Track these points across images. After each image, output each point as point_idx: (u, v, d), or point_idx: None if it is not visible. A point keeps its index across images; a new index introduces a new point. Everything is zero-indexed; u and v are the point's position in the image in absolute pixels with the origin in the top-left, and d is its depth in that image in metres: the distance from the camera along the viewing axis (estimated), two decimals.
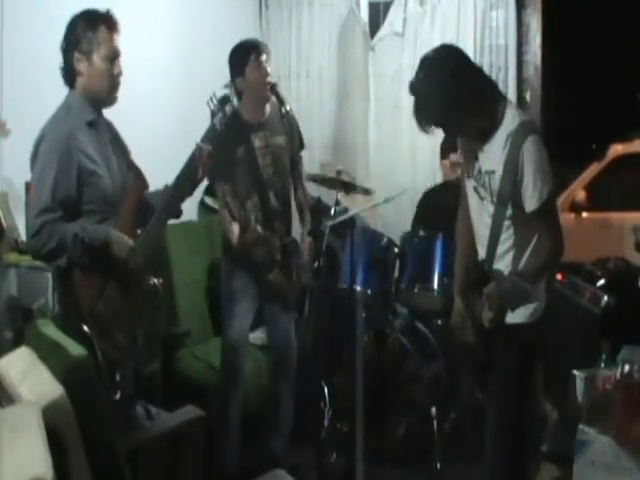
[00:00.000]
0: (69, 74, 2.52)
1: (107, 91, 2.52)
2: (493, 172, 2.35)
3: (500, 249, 2.39)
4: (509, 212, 2.35)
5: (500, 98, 2.42)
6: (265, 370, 3.61)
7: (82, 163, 2.42)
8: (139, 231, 2.56)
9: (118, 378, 2.43)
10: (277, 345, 3.43)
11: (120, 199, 2.53)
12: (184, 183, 2.63)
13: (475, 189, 2.47)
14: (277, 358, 3.45)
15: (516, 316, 2.39)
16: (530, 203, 2.29)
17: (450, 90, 2.26)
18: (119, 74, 2.53)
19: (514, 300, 2.25)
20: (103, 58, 2.47)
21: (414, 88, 2.32)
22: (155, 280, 2.59)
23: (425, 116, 2.32)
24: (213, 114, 2.77)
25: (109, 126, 2.63)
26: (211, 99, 2.78)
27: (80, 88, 2.51)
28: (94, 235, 2.40)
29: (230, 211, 3.10)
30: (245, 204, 3.18)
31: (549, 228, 2.34)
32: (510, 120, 2.33)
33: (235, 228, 3.11)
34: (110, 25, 2.49)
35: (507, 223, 2.38)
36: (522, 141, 2.27)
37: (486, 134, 2.38)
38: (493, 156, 2.35)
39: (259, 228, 3.12)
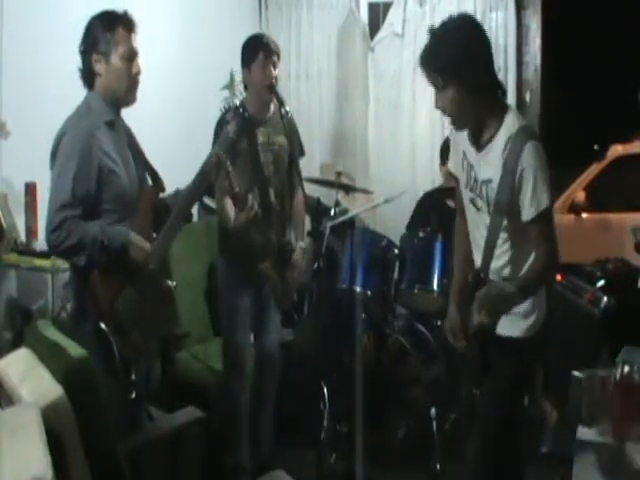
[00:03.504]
0: (88, 76, 2.53)
1: (125, 90, 2.53)
2: (490, 181, 2.28)
3: (497, 262, 2.33)
4: (505, 223, 2.28)
5: (503, 100, 2.38)
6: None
7: (102, 161, 2.44)
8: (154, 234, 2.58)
9: (133, 377, 2.44)
10: (262, 345, 3.40)
11: (137, 200, 2.55)
12: (199, 190, 2.65)
13: (472, 200, 2.40)
14: (261, 358, 3.41)
15: (514, 329, 2.35)
16: (527, 212, 2.22)
17: (457, 53, 2.22)
18: (137, 73, 2.54)
19: (502, 305, 2.20)
20: (121, 58, 2.48)
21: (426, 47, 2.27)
22: (169, 282, 2.61)
23: (431, 69, 2.27)
24: (226, 122, 2.77)
25: (126, 128, 2.65)
26: (225, 107, 2.79)
27: (99, 89, 2.52)
28: (113, 238, 2.42)
29: (231, 189, 3.06)
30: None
31: (544, 240, 2.26)
32: (510, 124, 2.27)
33: (231, 208, 3.09)
34: (128, 25, 2.50)
35: (504, 236, 2.31)
36: (521, 147, 2.20)
37: (483, 140, 2.32)
38: (490, 163, 2.29)
39: (257, 206, 3.03)
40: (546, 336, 2.41)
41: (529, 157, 2.20)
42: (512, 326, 2.33)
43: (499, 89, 2.35)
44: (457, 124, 2.38)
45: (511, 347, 2.36)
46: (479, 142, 2.34)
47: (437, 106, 2.34)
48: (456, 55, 2.22)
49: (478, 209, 2.38)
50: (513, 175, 2.21)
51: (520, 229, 2.28)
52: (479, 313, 2.14)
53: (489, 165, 2.29)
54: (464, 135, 2.40)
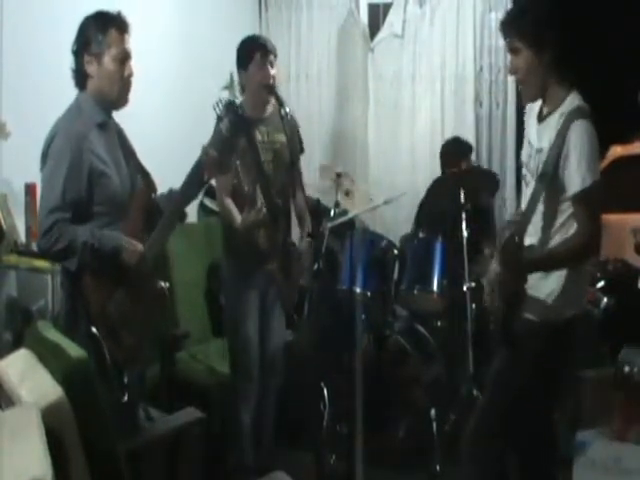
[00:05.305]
0: (80, 76, 2.51)
1: (117, 93, 2.52)
2: (541, 150, 2.36)
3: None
4: (544, 194, 2.32)
5: (572, 78, 2.44)
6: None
7: (93, 164, 2.42)
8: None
9: (126, 380, 2.43)
10: (266, 347, 3.38)
11: (129, 201, 2.53)
12: (191, 188, 2.63)
13: (524, 177, 2.48)
14: (265, 360, 3.38)
15: (535, 312, 2.36)
16: (572, 186, 2.25)
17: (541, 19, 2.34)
18: (130, 75, 2.53)
19: (520, 256, 2.23)
20: (113, 60, 2.47)
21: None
22: (163, 283, 2.60)
23: (512, 32, 2.40)
24: (219, 119, 2.77)
25: (118, 129, 2.64)
26: (217, 104, 2.78)
27: (91, 90, 2.51)
28: (104, 242, 2.40)
29: (241, 189, 3.03)
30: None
31: (586, 219, 2.27)
32: (569, 102, 2.35)
33: (234, 207, 3.07)
34: (121, 27, 2.48)
35: (540, 207, 2.34)
36: (571, 122, 2.27)
37: (545, 113, 2.40)
38: (545, 135, 2.36)
39: (264, 208, 3.05)
40: (578, 328, 2.42)
41: (576, 135, 2.25)
42: (534, 308, 2.34)
43: (573, 66, 2.43)
44: (526, 94, 2.47)
45: (531, 330, 2.34)
46: (541, 115, 2.42)
47: (510, 71, 2.47)
48: (539, 21, 2.33)
49: (527, 184, 2.44)
50: (560, 149, 2.26)
51: (557, 204, 2.32)
52: (499, 265, 2.19)
53: (543, 136, 2.37)
54: (535, 109, 2.48)
